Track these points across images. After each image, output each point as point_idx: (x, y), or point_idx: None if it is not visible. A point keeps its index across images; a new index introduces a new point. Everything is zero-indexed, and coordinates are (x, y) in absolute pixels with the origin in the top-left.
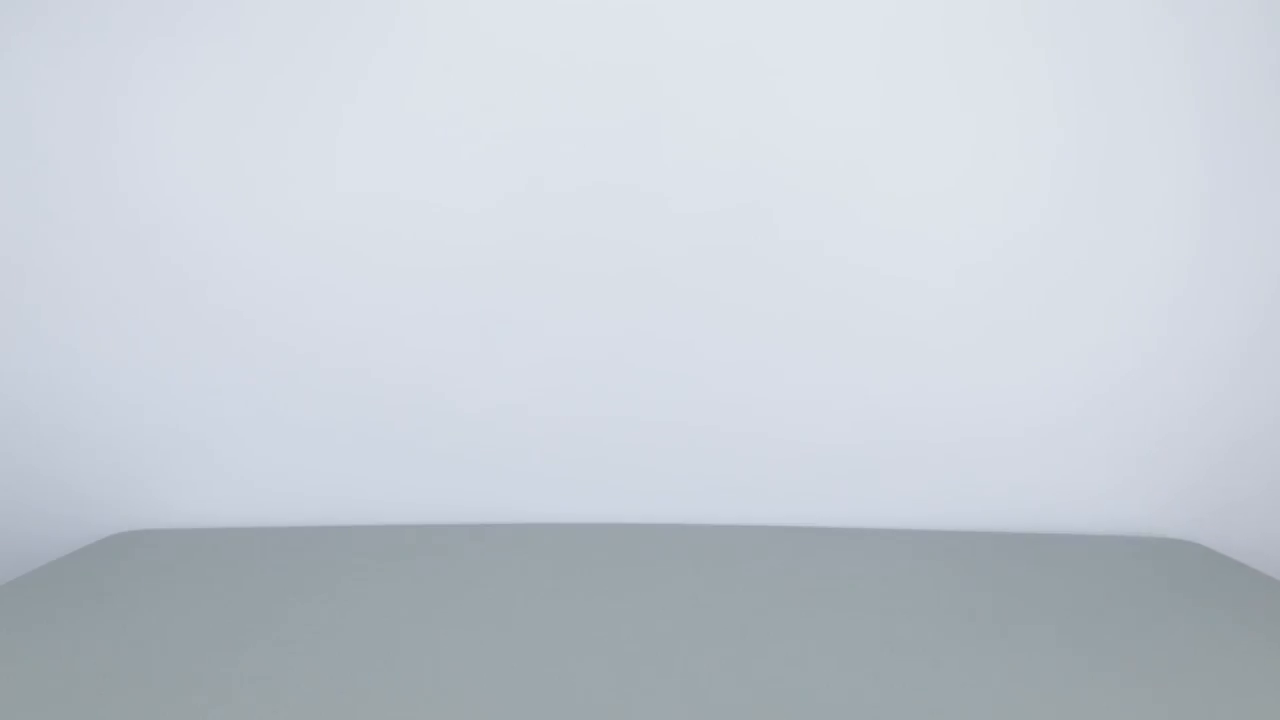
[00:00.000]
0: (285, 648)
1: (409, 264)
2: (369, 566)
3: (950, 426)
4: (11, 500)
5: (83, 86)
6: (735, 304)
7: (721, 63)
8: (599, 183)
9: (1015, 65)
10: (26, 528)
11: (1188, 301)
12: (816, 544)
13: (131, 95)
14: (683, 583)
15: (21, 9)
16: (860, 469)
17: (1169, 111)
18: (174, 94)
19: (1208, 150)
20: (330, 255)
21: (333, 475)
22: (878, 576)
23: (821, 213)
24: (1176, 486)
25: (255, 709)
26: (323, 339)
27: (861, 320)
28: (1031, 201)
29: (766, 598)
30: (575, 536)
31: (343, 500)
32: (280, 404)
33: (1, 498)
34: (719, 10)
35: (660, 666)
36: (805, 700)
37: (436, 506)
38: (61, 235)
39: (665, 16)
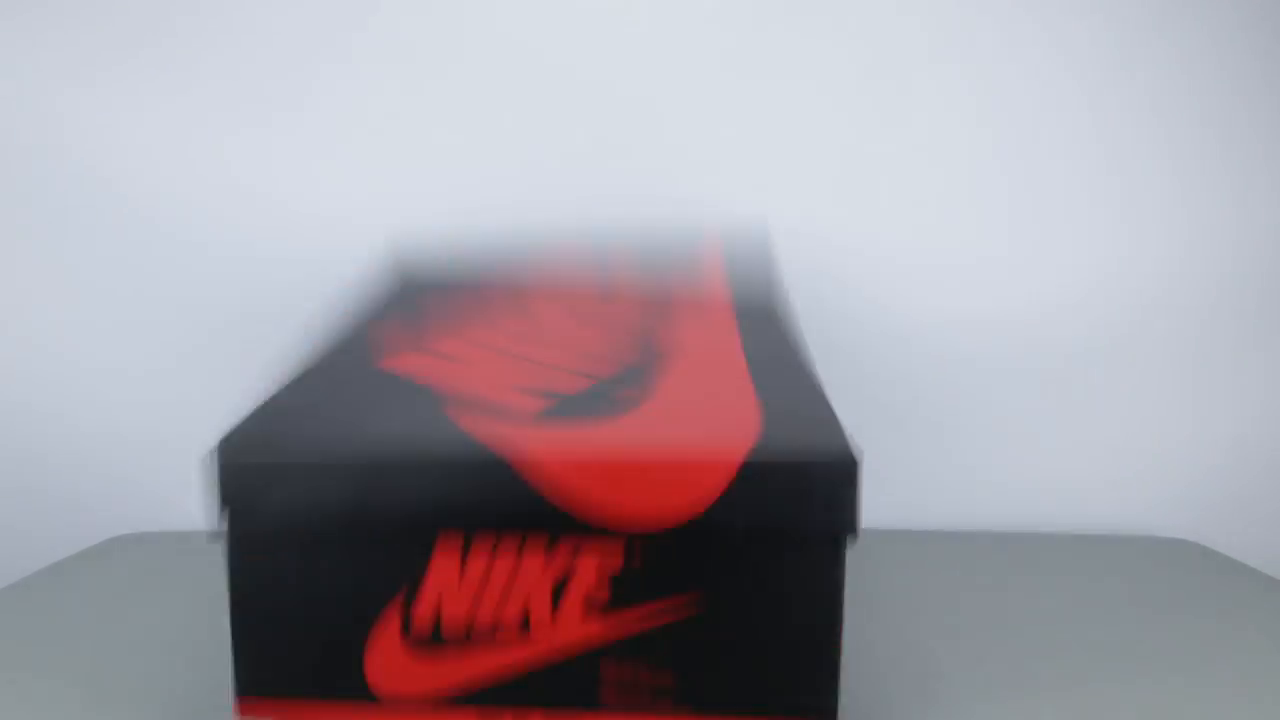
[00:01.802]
0: None
1: None
2: None
3: (948, 426)
4: (12, 502)
5: (82, 85)
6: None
7: (718, 71)
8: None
9: (1024, 60)
10: (27, 530)
11: (1191, 299)
12: None
13: (136, 94)
14: None
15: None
16: (868, 468)
17: (1178, 107)
18: (176, 93)
19: (1202, 143)
20: (333, 259)
21: None
22: (877, 577)
23: (815, 215)
24: (1175, 486)
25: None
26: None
27: (861, 320)
28: (1035, 195)
29: None
30: None
31: None
32: None
33: (1, 499)
34: (711, 23)
35: None
36: None
37: None
38: (63, 237)
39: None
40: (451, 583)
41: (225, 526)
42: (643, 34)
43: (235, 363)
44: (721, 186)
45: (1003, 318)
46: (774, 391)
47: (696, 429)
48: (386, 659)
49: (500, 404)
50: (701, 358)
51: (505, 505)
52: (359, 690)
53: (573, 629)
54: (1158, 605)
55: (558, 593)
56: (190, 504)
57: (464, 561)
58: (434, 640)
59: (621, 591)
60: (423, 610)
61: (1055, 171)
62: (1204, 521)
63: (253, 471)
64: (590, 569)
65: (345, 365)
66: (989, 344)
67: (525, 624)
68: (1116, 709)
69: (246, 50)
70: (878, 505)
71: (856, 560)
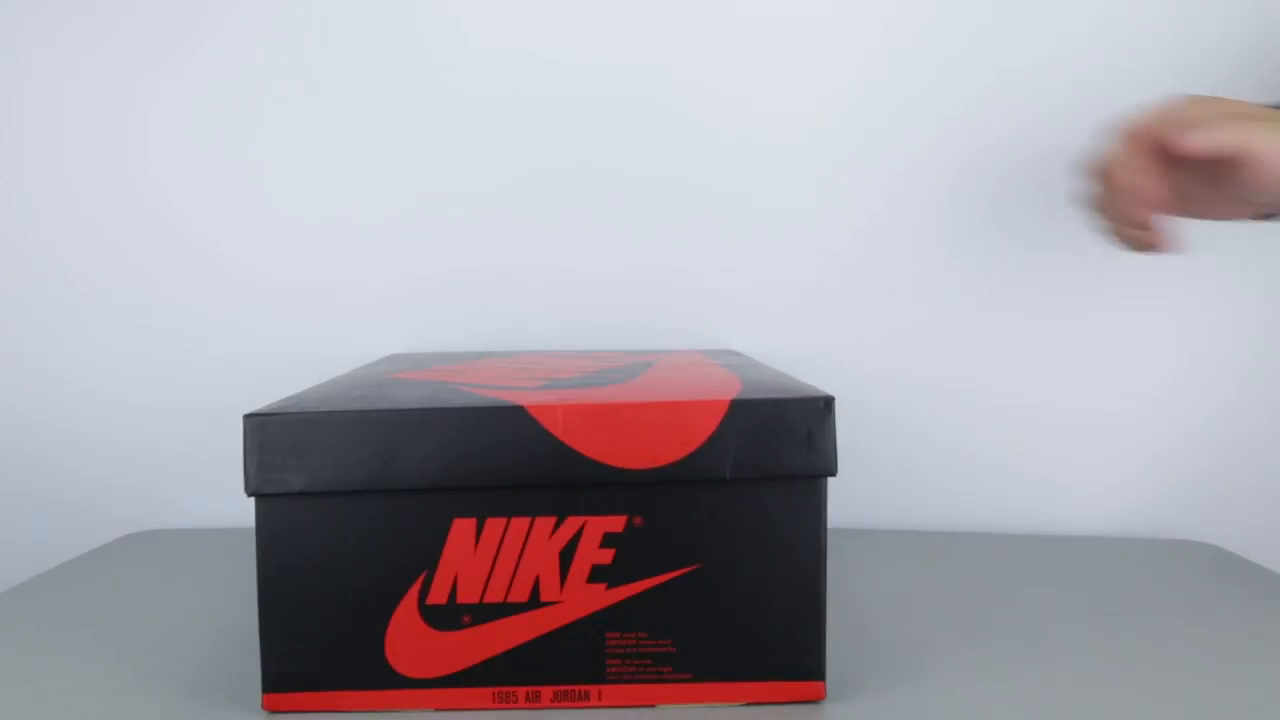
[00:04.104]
0: None
1: (409, 266)
2: None
3: (958, 425)
4: (24, 501)
5: (84, 84)
6: (733, 306)
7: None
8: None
9: (1041, 56)
10: (39, 529)
11: (1218, 296)
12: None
13: (147, 95)
14: None
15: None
16: (867, 468)
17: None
18: (190, 94)
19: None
20: (337, 257)
21: None
22: (888, 578)
23: (818, 211)
24: (1190, 486)
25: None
26: (331, 337)
27: (865, 318)
28: (1044, 197)
29: None
30: None
31: None
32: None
33: (14, 498)
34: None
35: None
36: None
37: None
38: (68, 239)
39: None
40: (466, 559)
41: (257, 492)
42: None
43: (246, 362)
44: None
45: (1014, 316)
46: (748, 374)
47: (686, 388)
48: (406, 640)
49: (506, 384)
50: (682, 365)
51: (520, 448)
52: (381, 674)
53: (580, 597)
54: (1177, 607)
55: (565, 563)
56: (196, 504)
57: (478, 539)
58: (452, 618)
59: (624, 558)
60: (440, 588)
61: None
62: (1219, 522)
63: (286, 425)
64: (595, 536)
65: (359, 376)
66: (1003, 340)
67: (536, 595)
68: (1127, 704)
69: (252, 52)
70: (886, 504)
71: (866, 561)
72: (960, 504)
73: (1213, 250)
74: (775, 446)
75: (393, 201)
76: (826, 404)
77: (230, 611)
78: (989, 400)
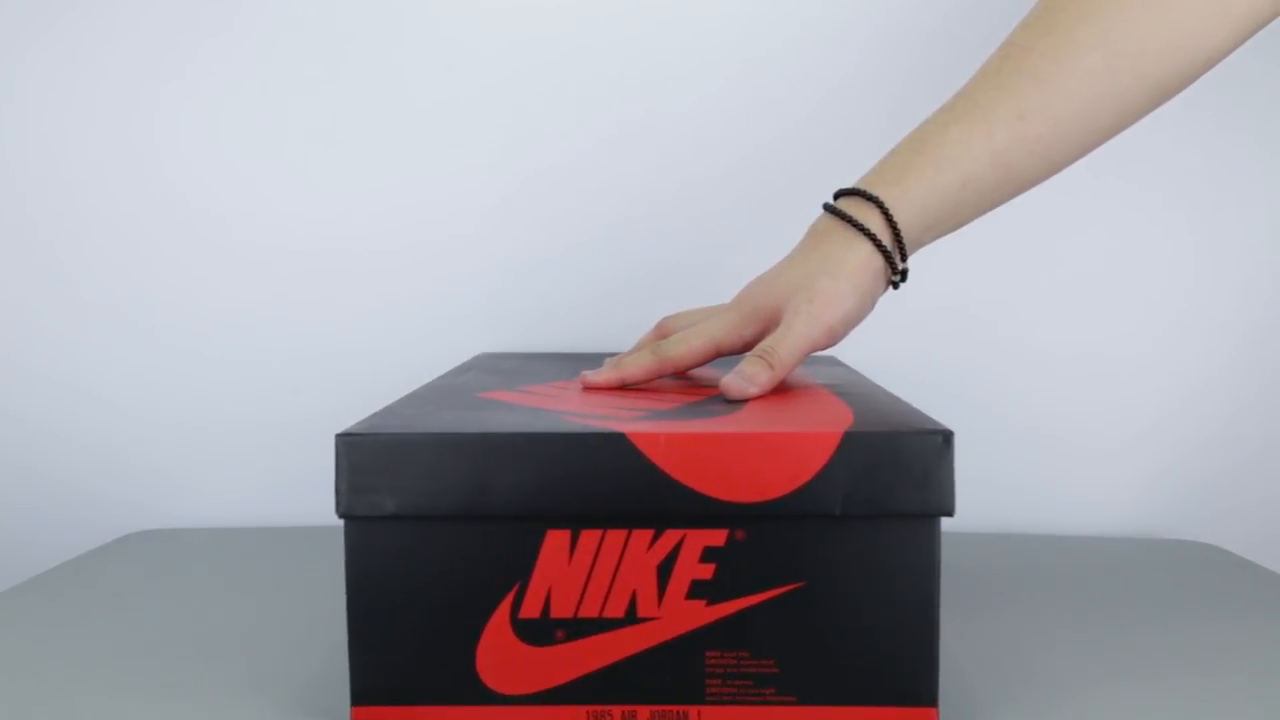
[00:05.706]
0: (298, 645)
1: (414, 270)
2: None
3: (962, 425)
4: (24, 501)
5: (87, 82)
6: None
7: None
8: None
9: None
10: (39, 529)
11: (1216, 295)
12: None
13: (151, 93)
14: None
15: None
16: None
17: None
18: (197, 90)
19: (1216, 132)
20: (338, 256)
21: None
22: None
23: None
24: (1194, 487)
25: (273, 707)
26: (334, 335)
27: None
28: (1037, 192)
29: None
30: None
31: None
32: (291, 401)
33: (14, 498)
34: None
35: None
36: None
37: None
38: (65, 237)
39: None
40: (560, 573)
41: (348, 514)
42: None
43: (248, 361)
44: None
45: (1016, 314)
46: (859, 400)
47: (795, 418)
48: (498, 655)
49: (602, 414)
50: (787, 384)
51: (619, 477)
52: (472, 689)
53: (678, 614)
54: (1182, 610)
55: (664, 577)
56: (196, 504)
57: (572, 551)
58: (544, 633)
59: (725, 574)
60: (533, 602)
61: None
62: (1225, 524)
63: (378, 447)
64: (694, 550)
65: (446, 391)
66: (1004, 338)
67: (632, 611)
68: (1138, 709)
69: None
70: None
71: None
72: (959, 505)
73: (1215, 254)
74: (888, 484)
75: (392, 201)
76: (945, 439)
77: (231, 612)
78: (990, 400)
